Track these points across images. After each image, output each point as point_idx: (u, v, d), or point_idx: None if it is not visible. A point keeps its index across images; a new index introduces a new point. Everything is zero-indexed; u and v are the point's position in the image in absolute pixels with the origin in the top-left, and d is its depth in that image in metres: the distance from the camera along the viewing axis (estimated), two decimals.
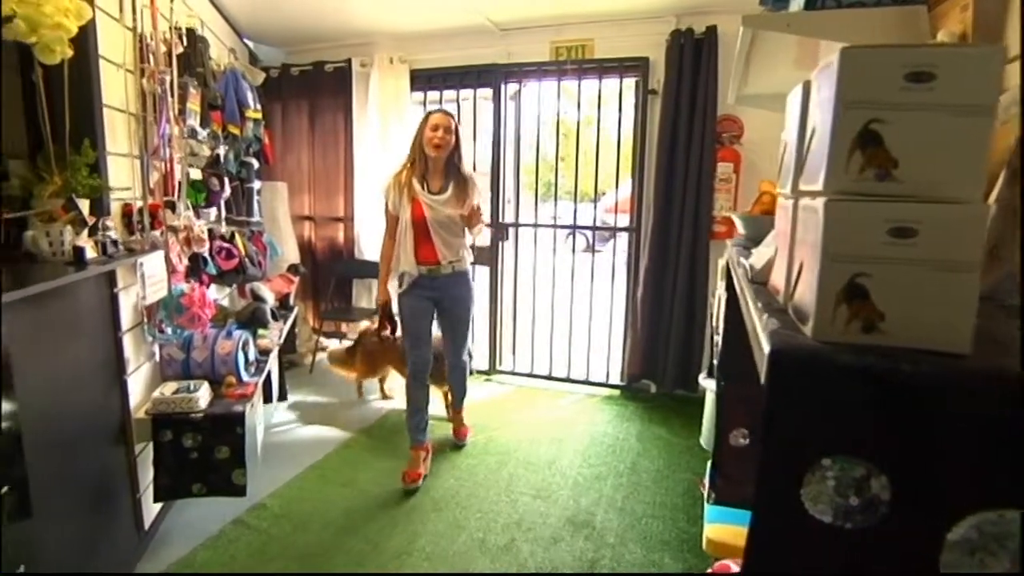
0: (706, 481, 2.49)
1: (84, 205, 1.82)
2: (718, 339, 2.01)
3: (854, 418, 0.51)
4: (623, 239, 3.95)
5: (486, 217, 3.05)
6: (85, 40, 1.86)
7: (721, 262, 2.62)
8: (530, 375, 4.02)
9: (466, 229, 2.69)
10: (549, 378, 3.97)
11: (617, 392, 3.81)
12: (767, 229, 1.31)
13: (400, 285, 2.71)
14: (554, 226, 3.97)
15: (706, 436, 2.62)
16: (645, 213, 3.61)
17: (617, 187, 3.79)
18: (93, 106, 1.95)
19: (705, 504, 2.03)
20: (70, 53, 1.67)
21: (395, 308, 2.80)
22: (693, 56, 3.30)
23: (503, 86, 3.79)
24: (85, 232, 1.81)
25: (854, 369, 0.51)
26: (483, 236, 2.81)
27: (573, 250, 3.99)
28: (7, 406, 1.38)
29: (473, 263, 2.86)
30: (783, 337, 0.52)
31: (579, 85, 3.70)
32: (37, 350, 1.58)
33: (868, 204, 0.54)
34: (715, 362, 1.67)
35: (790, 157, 0.66)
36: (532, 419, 3.42)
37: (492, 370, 4.07)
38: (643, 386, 3.78)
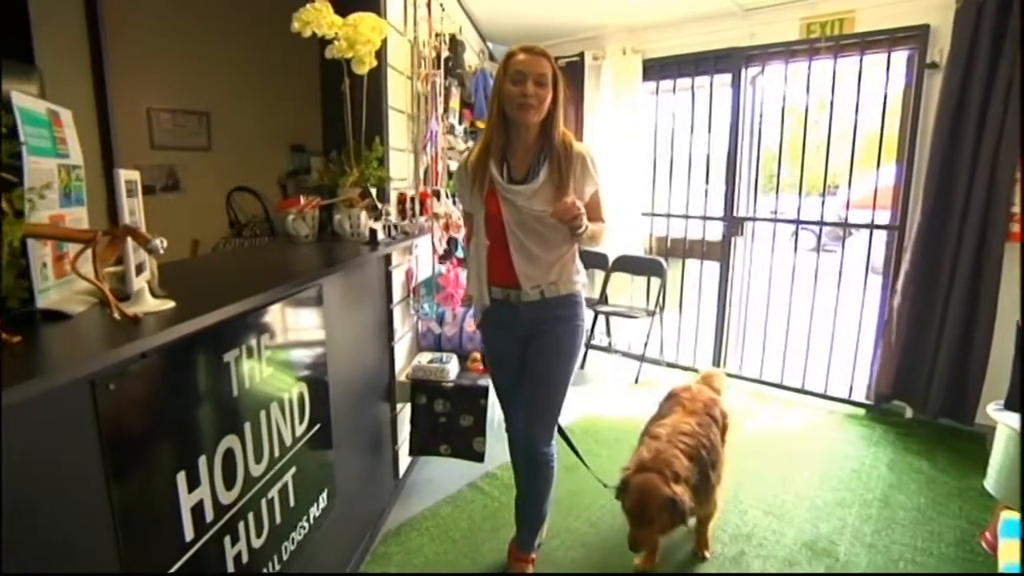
0: (993, 536, 2.07)
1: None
2: None
3: None
4: (865, 237, 3.43)
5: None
6: (379, 52, 2.16)
7: None
8: (758, 381, 3.74)
9: (572, 234, 1.71)
10: (780, 386, 3.66)
11: (861, 411, 3.35)
12: None
13: (475, 314, 1.95)
14: (796, 221, 3.59)
15: (997, 481, 2.13)
16: (911, 208, 3.10)
17: (878, 174, 3.28)
18: (382, 108, 2.26)
19: (1001, 566, 1.69)
20: (375, 64, 1.95)
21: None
22: (996, 15, 2.70)
23: (743, 71, 3.54)
24: (372, 217, 2.12)
25: None
26: (598, 240, 1.79)
27: (818, 249, 3.58)
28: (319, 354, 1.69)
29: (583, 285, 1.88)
30: None
31: (834, 64, 3.29)
32: (341, 313, 1.88)
33: None
34: None
35: None
36: (760, 428, 3.17)
37: None
38: (895, 408, 3.27)
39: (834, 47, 3.25)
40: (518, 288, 1.78)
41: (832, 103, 3.33)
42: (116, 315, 0.91)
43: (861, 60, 3.21)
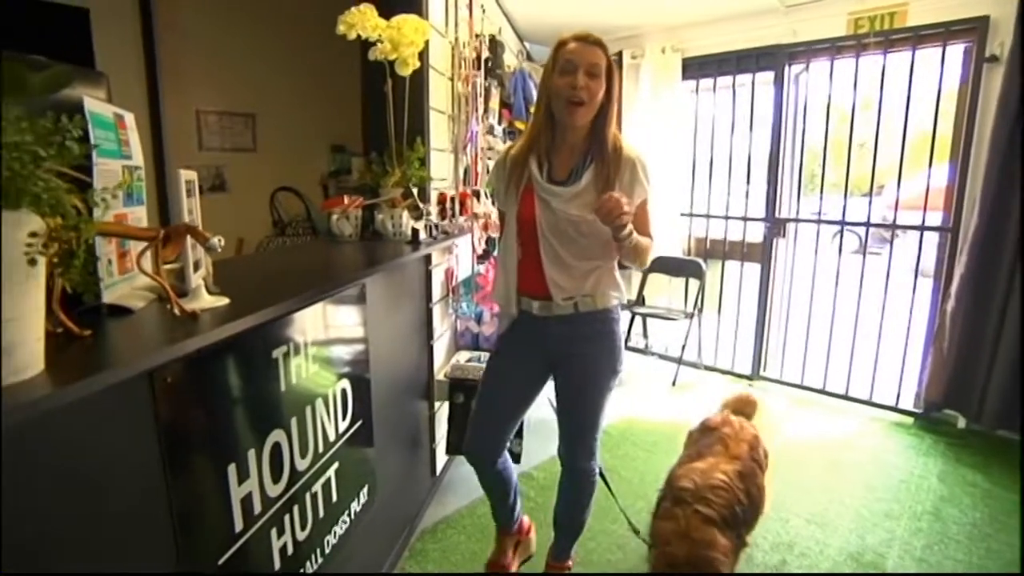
0: None
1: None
2: None
3: None
4: (913, 239, 3.31)
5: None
6: (422, 54, 2.17)
7: None
8: (799, 386, 3.64)
9: (614, 242, 1.54)
10: (822, 392, 3.55)
11: (909, 419, 3.23)
12: None
13: (500, 325, 1.81)
14: (841, 223, 3.49)
15: None
16: (967, 209, 2.97)
17: (930, 174, 3.14)
18: (424, 109, 2.28)
19: None
20: (418, 65, 1.97)
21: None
22: None
23: (787, 68, 3.45)
24: (414, 217, 2.14)
25: None
26: (643, 257, 1.64)
27: (864, 251, 3.47)
28: (360, 350, 1.71)
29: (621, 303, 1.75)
30: None
31: (883, 60, 3.18)
32: (383, 312, 1.90)
33: None
34: None
35: None
36: (801, 435, 3.09)
37: (755, 375, 3.80)
38: (946, 417, 3.15)
39: (884, 42, 3.14)
40: (549, 300, 1.62)
41: (881, 100, 3.22)
42: (176, 311, 0.94)
43: (913, 55, 3.09)
